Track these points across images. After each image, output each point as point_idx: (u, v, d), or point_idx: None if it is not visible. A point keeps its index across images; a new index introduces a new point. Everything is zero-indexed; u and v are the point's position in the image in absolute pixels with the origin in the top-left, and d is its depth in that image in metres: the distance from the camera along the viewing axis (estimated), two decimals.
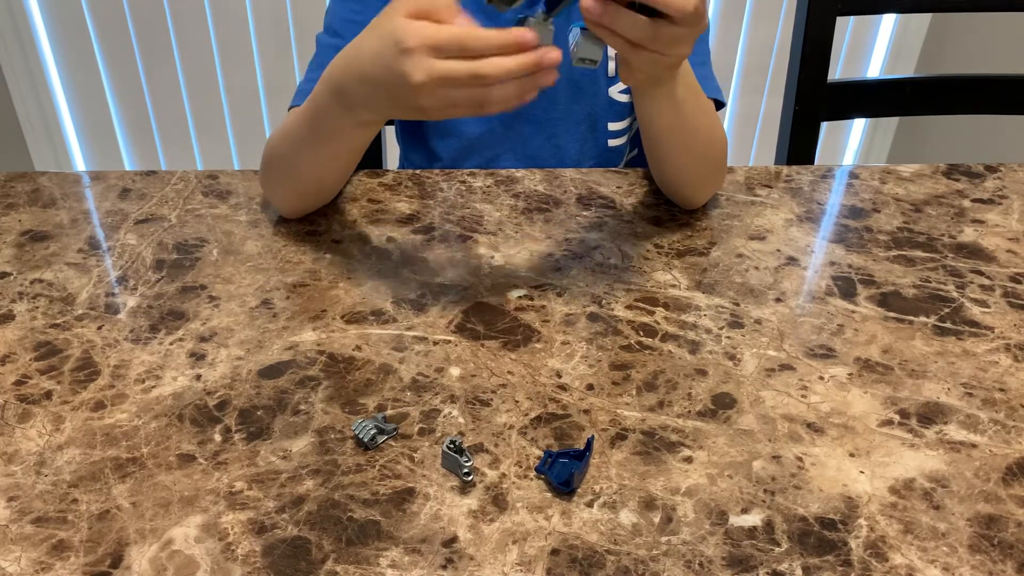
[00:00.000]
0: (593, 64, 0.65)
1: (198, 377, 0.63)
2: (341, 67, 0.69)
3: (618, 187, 0.90)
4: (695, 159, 0.82)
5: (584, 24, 0.63)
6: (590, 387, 0.63)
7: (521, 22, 0.62)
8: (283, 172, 0.81)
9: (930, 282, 0.76)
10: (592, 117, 0.97)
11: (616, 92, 0.95)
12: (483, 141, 0.97)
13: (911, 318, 0.71)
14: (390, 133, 1.12)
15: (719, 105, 0.88)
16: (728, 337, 0.68)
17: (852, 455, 0.58)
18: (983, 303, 0.73)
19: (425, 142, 0.99)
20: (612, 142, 0.99)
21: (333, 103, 0.71)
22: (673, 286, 0.74)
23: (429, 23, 0.61)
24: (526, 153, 0.98)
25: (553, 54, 0.60)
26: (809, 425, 0.60)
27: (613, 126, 0.98)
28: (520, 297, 0.72)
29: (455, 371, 0.64)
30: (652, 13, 0.60)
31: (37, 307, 0.71)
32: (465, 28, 0.60)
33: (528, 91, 0.61)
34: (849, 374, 0.65)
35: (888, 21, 2.21)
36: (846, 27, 2.20)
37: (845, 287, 0.75)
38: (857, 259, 0.79)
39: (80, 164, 2.32)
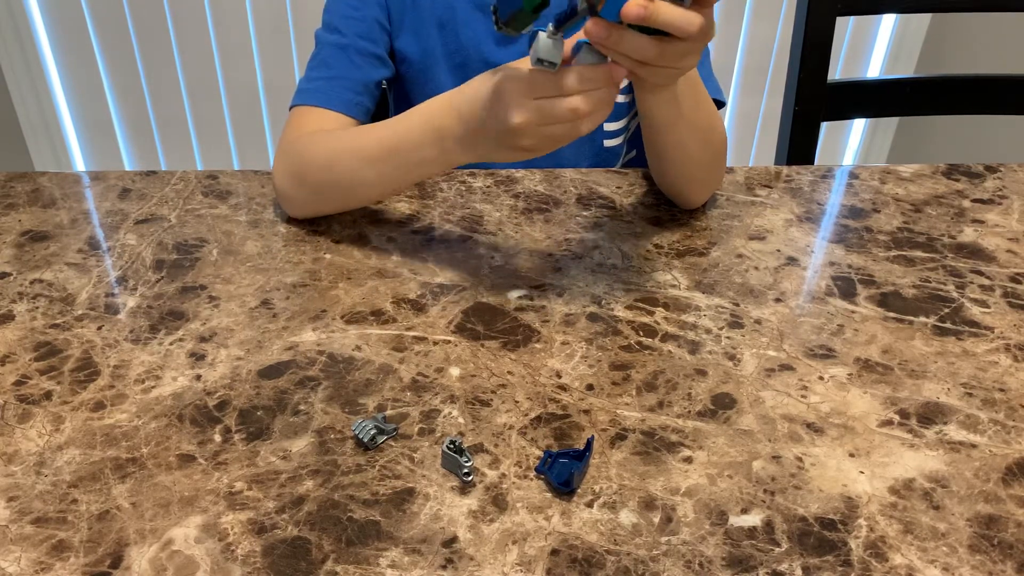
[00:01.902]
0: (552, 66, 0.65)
1: (198, 377, 0.63)
2: (443, 105, 0.71)
3: (618, 187, 0.90)
4: (695, 152, 0.81)
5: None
6: (590, 387, 0.63)
7: (532, 36, 0.62)
8: (329, 184, 0.81)
9: (930, 282, 0.76)
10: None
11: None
12: None
13: (911, 318, 0.71)
14: None
15: (719, 105, 0.87)
16: (728, 337, 0.68)
17: (852, 455, 0.58)
18: (983, 303, 0.73)
19: None
20: (608, 142, 0.99)
21: (429, 137, 0.72)
22: (673, 286, 0.74)
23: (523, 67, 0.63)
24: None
25: (622, 71, 0.62)
26: (809, 425, 0.60)
27: (609, 126, 0.98)
28: (520, 297, 0.72)
29: (455, 371, 0.64)
30: (657, 31, 0.60)
31: (37, 307, 0.71)
32: (565, 68, 0.62)
33: (607, 109, 0.64)
34: (849, 374, 0.65)
35: (888, 21, 2.21)
36: (846, 27, 2.20)
37: (845, 287, 0.75)
38: (857, 259, 0.79)
39: (80, 164, 2.32)
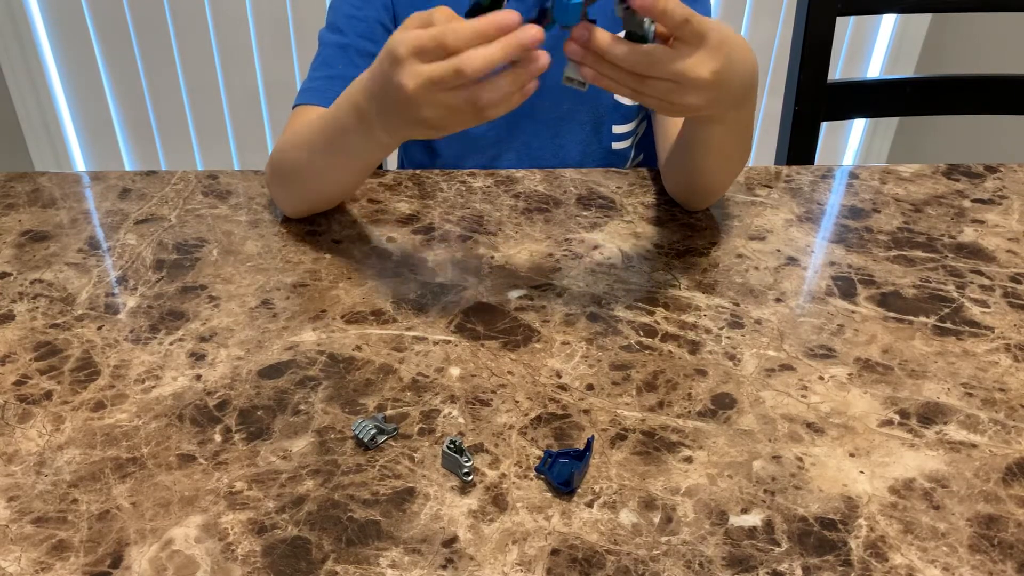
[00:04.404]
0: (581, 86, 0.62)
1: (198, 377, 0.63)
2: (359, 85, 0.68)
3: (618, 187, 0.90)
4: (726, 176, 0.82)
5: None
6: (590, 387, 0.63)
7: None
8: (292, 177, 0.81)
9: (930, 282, 0.76)
10: (596, 119, 0.97)
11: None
12: (485, 140, 0.97)
13: (911, 318, 0.71)
14: None
15: None
16: (728, 337, 0.68)
17: (852, 455, 0.58)
18: (983, 303, 0.73)
19: (427, 140, 0.99)
20: (616, 145, 0.99)
21: (352, 119, 0.69)
22: (673, 286, 0.74)
23: (419, 30, 0.58)
24: (528, 153, 0.98)
25: (532, 30, 0.56)
26: (809, 425, 0.60)
27: (618, 129, 0.98)
28: (520, 297, 0.72)
29: (455, 371, 0.64)
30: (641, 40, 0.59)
31: (37, 307, 0.71)
32: (446, 25, 0.57)
33: (522, 82, 0.57)
34: (849, 374, 0.65)
35: (888, 21, 2.21)
36: (846, 27, 2.20)
37: (845, 287, 0.75)
38: (857, 259, 0.79)
39: (80, 164, 2.32)
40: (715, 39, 0.59)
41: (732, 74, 0.61)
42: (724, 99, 0.64)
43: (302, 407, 0.61)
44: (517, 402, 0.61)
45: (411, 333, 0.68)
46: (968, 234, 0.83)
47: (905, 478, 0.56)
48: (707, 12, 1.00)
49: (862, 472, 0.56)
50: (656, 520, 0.53)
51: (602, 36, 0.58)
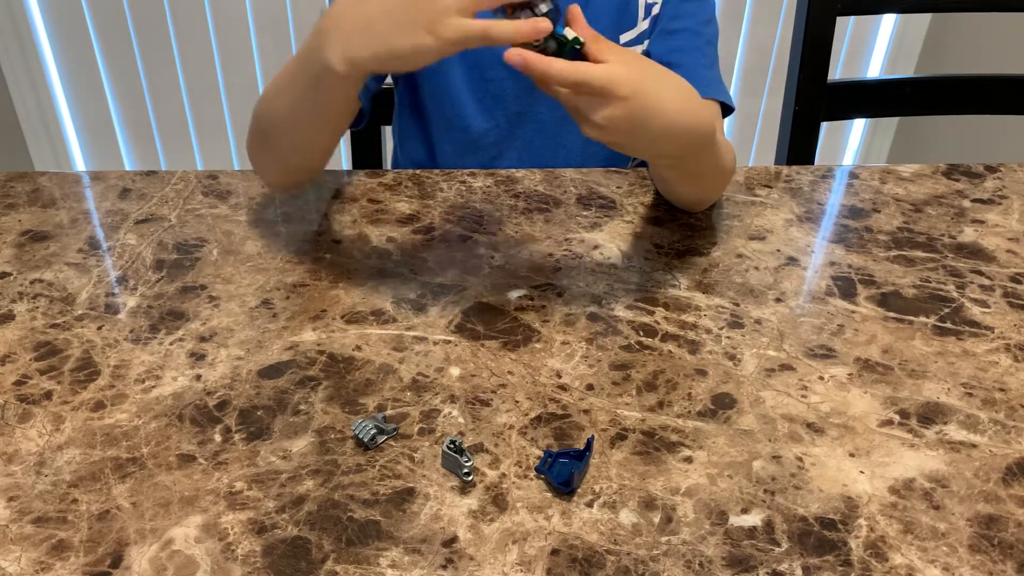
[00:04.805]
0: None
1: (198, 377, 0.63)
2: (338, 6, 0.67)
3: (618, 187, 0.90)
4: (709, 194, 0.84)
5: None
6: (590, 387, 0.63)
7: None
8: (267, 132, 0.79)
9: (930, 282, 0.76)
10: None
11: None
12: (487, 139, 0.97)
13: (911, 318, 0.71)
14: (390, 133, 1.12)
15: (728, 110, 0.86)
16: (728, 337, 0.68)
17: (852, 455, 0.58)
18: (983, 303, 0.73)
19: (428, 136, 0.99)
20: None
21: (306, 47, 0.69)
22: (673, 286, 0.74)
23: None
24: (529, 153, 0.98)
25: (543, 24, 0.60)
26: (809, 425, 0.60)
27: None
28: (520, 297, 0.72)
29: (455, 371, 0.64)
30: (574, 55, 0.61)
31: (37, 307, 0.71)
32: None
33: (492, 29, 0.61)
34: (849, 374, 0.65)
35: (888, 21, 2.21)
36: (846, 27, 2.20)
37: (845, 287, 0.75)
38: (857, 259, 0.79)
39: (80, 164, 2.32)
40: (624, 91, 0.61)
41: (641, 127, 0.64)
42: (639, 147, 0.67)
43: (302, 407, 0.61)
44: (517, 402, 0.61)
45: (411, 333, 0.68)
46: (968, 234, 0.83)
47: (905, 478, 0.56)
48: (708, 12, 1.00)
49: (862, 472, 0.56)
50: (656, 520, 0.53)
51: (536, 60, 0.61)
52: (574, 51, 0.62)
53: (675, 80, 0.69)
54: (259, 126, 0.80)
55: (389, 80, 1.02)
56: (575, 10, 0.63)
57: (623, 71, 0.61)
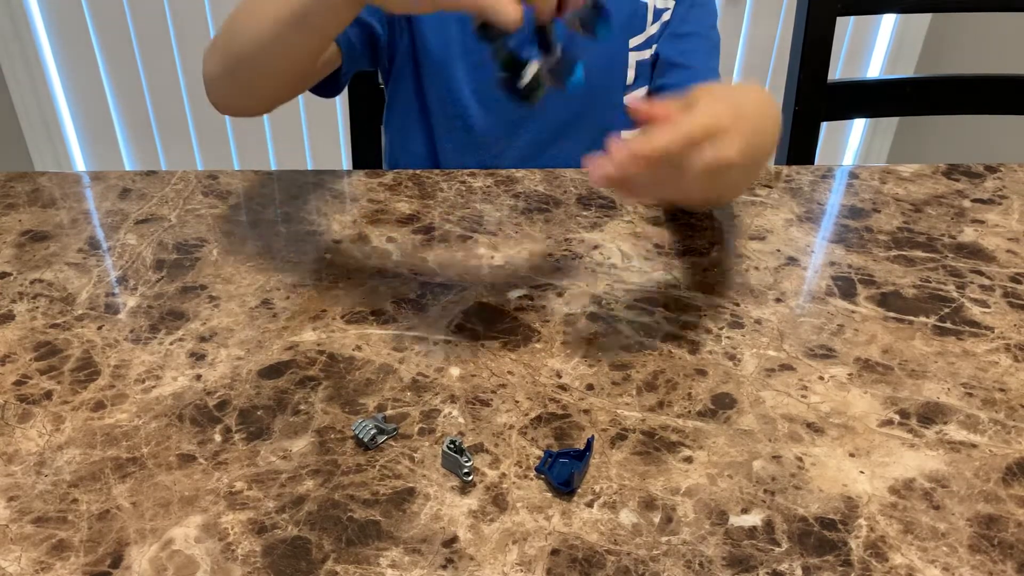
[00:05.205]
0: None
1: (198, 377, 0.63)
2: None
3: None
4: (731, 196, 0.83)
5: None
6: (590, 387, 0.63)
7: (521, 65, 0.63)
8: (230, 54, 0.77)
9: (930, 282, 0.76)
10: (606, 125, 0.96)
11: (633, 101, 0.95)
12: (488, 137, 0.97)
13: (911, 318, 0.71)
14: None
15: None
16: (728, 337, 0.68)
17: (852, 455, 0.58)
18: (983, 303, 0.73)
19: (429, 133, 0.99)
20: None
21: None
22: (673, 286, 0.74)
23: None
24: (531, 153, 0.98)
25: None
26: (809, 425, 0.60)
27: (628, 135, 0.98)
28: (520, 297, 0.72)
29: (455, 371, 0.64)
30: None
31: (37, 307, 0.71)
32: None
33: None
34: (849, 374, 0.65)
35: (888, 21, 2.21)
36: (846, 27, 2.20)
37: (845, 287, 0.75)
38: (857, 259, 0.79)
39: (80, 164, 2.32)
40: (725, 122, 0.56)
41: (753, 137, 0.60)
42: (750, 171, 0.65)
43: (302, 407, 0.61)
44: (517, 402, 0.61)
45: (411, 333, 0.68)
46: (968, 234, 0.83)
47: (905, 478, 0.56)
48: (710, 13, 1.00)
49: (862, 472, 0.56)
50: (656, 520, 0.53)
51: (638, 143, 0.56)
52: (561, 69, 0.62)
53: (744, 89, 0.67)
54: (225, 46, 0.78)
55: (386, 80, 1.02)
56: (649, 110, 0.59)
57: (711, 108, 0.57)
